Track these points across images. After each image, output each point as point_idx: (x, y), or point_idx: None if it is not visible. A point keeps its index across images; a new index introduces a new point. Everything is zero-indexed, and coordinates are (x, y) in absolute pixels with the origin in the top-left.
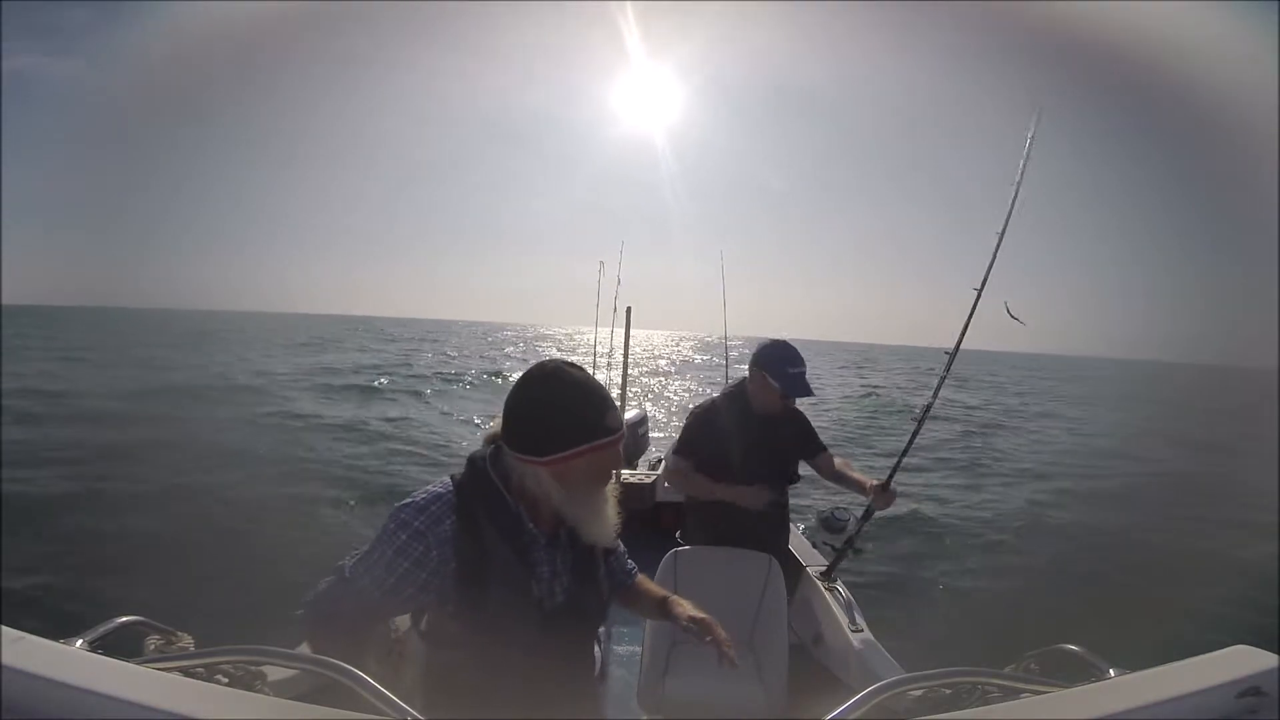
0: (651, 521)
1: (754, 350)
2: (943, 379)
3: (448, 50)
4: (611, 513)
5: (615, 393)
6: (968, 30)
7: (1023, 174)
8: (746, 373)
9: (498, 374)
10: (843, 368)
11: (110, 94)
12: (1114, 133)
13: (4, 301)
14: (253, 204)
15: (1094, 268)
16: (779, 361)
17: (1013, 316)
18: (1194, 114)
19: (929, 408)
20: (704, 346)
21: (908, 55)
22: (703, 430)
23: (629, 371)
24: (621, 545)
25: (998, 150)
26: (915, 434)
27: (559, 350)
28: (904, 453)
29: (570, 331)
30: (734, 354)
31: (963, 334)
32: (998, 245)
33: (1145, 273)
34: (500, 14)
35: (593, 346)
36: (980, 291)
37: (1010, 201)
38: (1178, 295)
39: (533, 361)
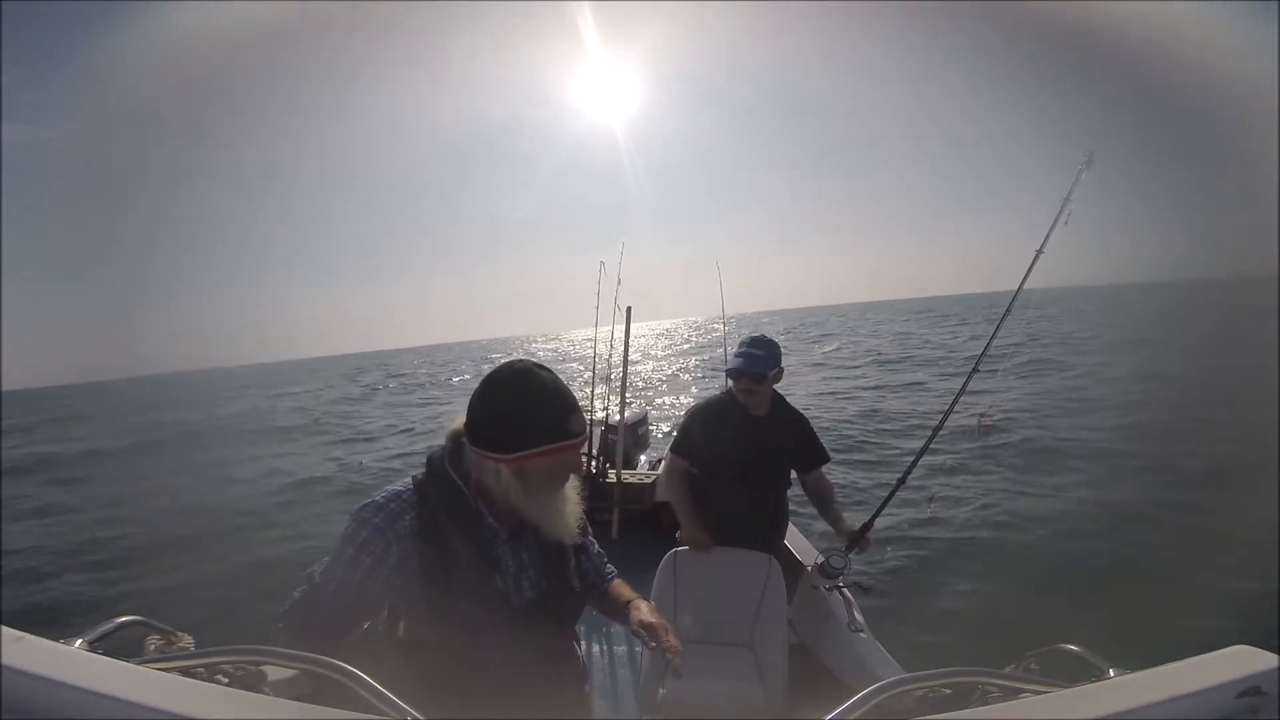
0: (652, 521)
1: None
2: (947, 412)
3: (400, 79)
4: (572, 513)
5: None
6: (946, 18)
7: (1070, 213)
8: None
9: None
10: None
11: (55, 151)
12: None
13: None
14: (219, 257)
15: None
16: (737, 347)
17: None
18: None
19: (927, 444)
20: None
21: (865, 40)
22: (697, 430)
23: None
24: (595, 545)
25: (958, 108)
26: (909, 471)
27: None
28: (889, 497)
29: (589, 336)
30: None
31: (977, 362)
32: (1031, 265)
33: (1125, 186)
34: (449, 29)
35: (594, 346)
36: (1002, 318)
37: (1048, 229)
38: (1160, 207)
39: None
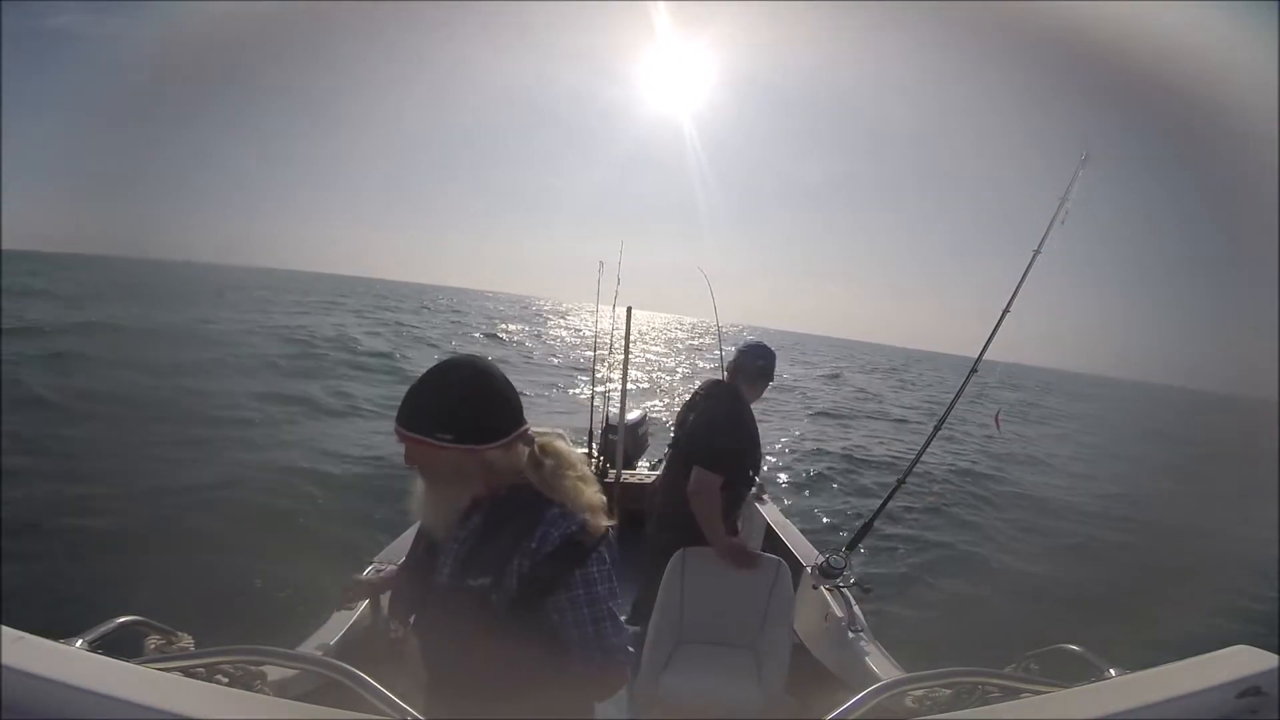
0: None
1: (742, 354)
2: (946, 413)
3: (477, 28)
4: (435, 512)
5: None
6: (1001, 38)
7: (1065, 214)
8: (733, 375)
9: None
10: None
11: (152, 52)
12: (1126, 145)
13: (31, 248)
14: (286, 168)
15: (1092, 277)
16: (772, 359)
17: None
18: (1201, 122)
19: (926, 445)
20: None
21: (939, 59)
22: (739, 440)
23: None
24: (585, 623)
25: (1019, 162)
26: (907, 472)
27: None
28: (888, 498)
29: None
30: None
31: (976, 362)
32: (1029, 265)
33: (1147, 286)
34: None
35: (594, 349)
36: (1002, 317)
37: (1042, 235)
38: (1180, 313)
39: None
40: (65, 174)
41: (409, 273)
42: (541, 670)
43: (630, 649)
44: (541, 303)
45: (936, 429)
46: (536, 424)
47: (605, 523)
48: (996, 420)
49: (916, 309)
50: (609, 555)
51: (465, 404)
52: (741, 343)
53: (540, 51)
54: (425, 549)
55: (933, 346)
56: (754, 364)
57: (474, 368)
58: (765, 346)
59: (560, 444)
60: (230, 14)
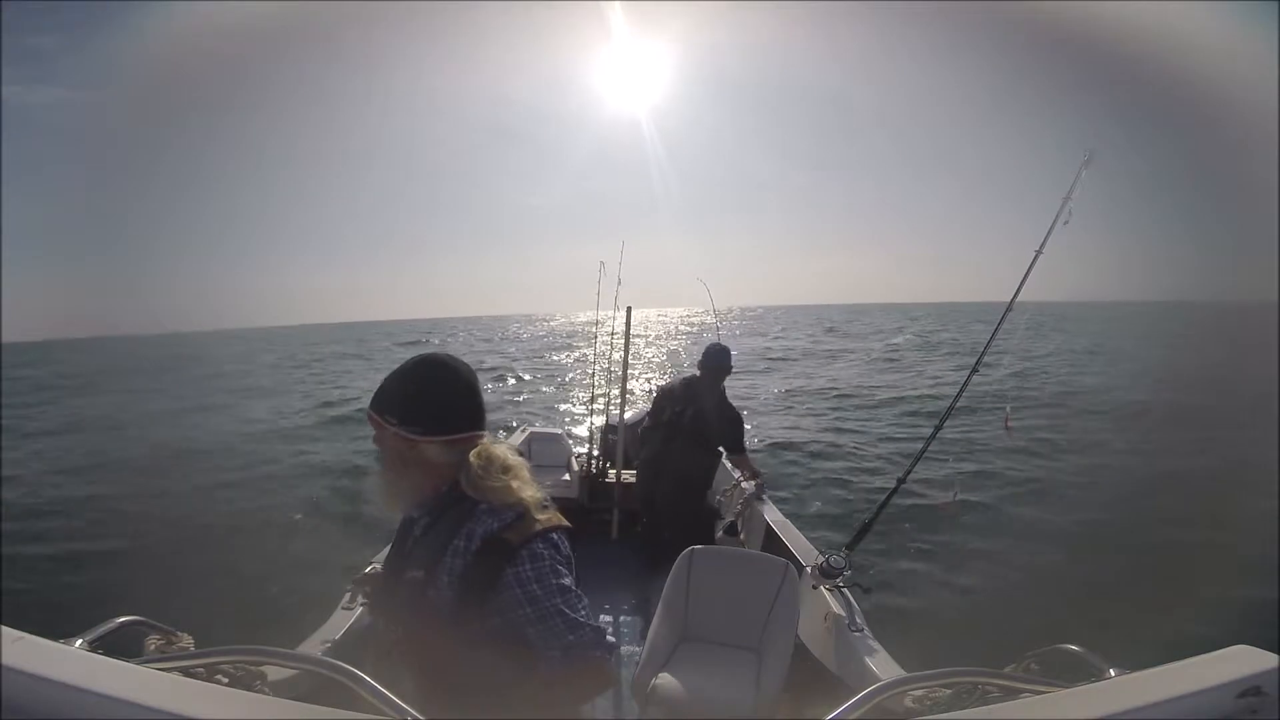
0: None
1: (715, 355)
2: (946, 414)
3: (433, 52)
4: (379, 492)
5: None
6: (959, 21)
7: (1070, 211)
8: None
9: None
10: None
11: (94, 116)
12: (1098, 85)
13: (7, 340)
14: (245, 219)
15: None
16: (730, 356)
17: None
18: (1191, 72)
19: (926, 446)
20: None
21: (896, 39)
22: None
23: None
24: (522, 604)
25: (980, 122)
26: (908, 471)
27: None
28: (888, 497)
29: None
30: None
31: (978, 362)
32: (1030, 265)
33: (1133, 206)
34: (483, 11)
35: (594, 348)
36: (1002, 318)
37: (1047, 230)
38: (1169, 231)
39: None
40: (25, 255)
41: (414, 310)
42: (502, 671)
43: (610, 640)
44: (549, 320)
45: (937, 429)
46: (542, 425)
47: (541, 521)
48: (1006, 423)
49: (902, 268)
50: (548, 552)
51: (414, 394)
52: (707, 346)
53: (497, 72)
54: (395, 547)
55: (928, 299)
56: (727, 362)
57: (439, 364)
58: (725, 347)
59: (498, 449)
60: (168, 64)
